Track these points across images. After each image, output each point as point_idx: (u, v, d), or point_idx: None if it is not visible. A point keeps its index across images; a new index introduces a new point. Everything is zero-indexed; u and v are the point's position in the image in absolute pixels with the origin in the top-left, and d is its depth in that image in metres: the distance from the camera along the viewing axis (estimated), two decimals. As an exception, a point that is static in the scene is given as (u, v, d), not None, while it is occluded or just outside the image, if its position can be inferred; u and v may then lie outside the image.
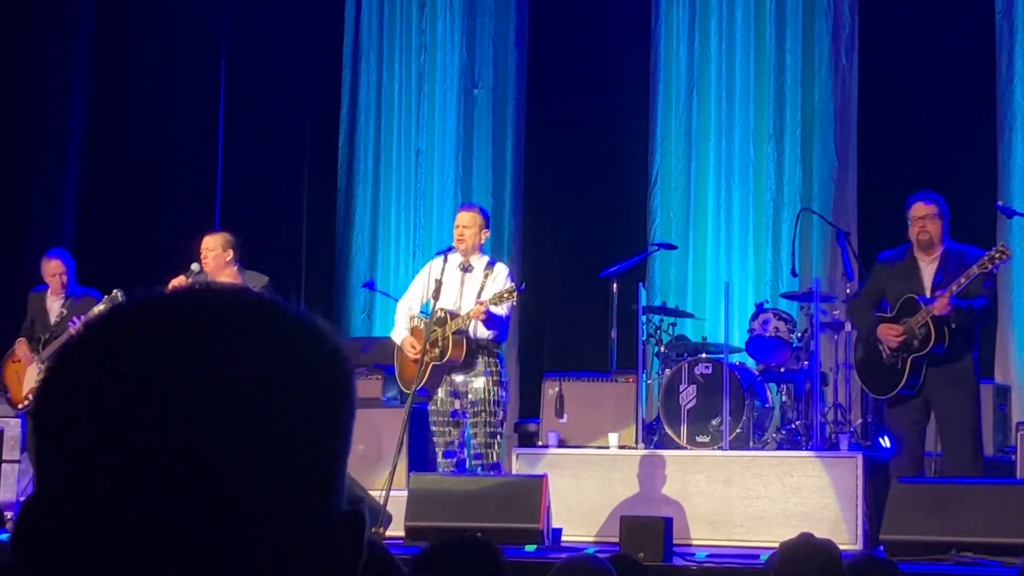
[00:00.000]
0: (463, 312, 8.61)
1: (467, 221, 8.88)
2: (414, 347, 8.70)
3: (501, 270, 8.81)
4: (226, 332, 1.12)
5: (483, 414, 8.64)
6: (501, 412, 8.72)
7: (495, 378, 8.65)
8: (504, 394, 8.74)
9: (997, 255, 8.30)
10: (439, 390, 8.69)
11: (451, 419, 8.71)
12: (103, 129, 13.39)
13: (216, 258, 9.48)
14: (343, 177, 13.27)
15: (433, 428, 8.81)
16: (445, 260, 8.97)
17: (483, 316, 8.49)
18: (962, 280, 8.21)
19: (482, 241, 8.88)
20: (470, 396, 8.65)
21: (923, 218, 8.50)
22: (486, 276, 8.74)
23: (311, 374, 1.14)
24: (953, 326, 8.27)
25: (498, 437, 8.79)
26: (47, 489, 1.11)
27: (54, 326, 10.03)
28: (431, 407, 8.79)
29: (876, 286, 8.71)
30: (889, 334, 8.41)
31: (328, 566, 1.13)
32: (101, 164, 13.33)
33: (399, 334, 8.94)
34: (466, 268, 8.79)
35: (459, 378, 8.66)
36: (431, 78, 13.07)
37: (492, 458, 8.71)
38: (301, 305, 1.20)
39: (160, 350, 1.10)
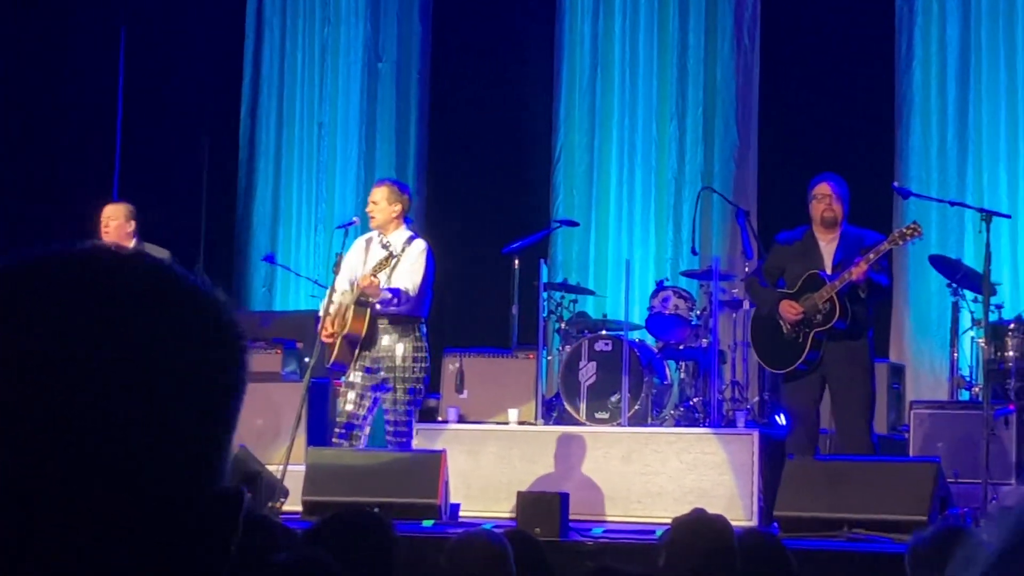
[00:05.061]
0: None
1: (375, 196, 8.87)
2: (326, 328, 8.63)
3: (416, 246, 8.74)
4: (116, 293, 1.09)
5: (396, 389, 8.58)
6: (417, 384, 8.65)
7: (407, 352, 8.58)
8: (418, 368, 8.64)
9: (909, 232, 8.43)
10: (351, 366, 8.63)
11: (364, 393, 8.63)
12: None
13: (118, 228, 9.40)
14: (244, 149, 13.17)
15: (341, 400, 8.74)
16: (346, 234, 8.98)
17: (367, 284, 8.41)
18: (871, 256, 8.30)
19: (395, 215, 8.79)
20: (383, 372, 8.60)
21: (828, 196, 8.59)
22: (403, 251, 8.68)
23: (202, 345, 1.11)
24: (862, 295, 8.36)
25: (416, 412, 8.77)
26: None
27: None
28: (344, 380, 8.73)
29: (774, 264, 8.79)
30: (789, 310, 8.49)
31: (200, 542, 1.11)
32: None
33: (323, 308, 8.88)
34: (385, 244, 8.75)
35: (371, 352, 8.61)
36: (335, 51, 12.99)
37: (403, 427, 8.65)
38: (201, 276, 1.18)
39: (44, 306, 1.07)
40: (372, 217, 8.81)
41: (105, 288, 1.10)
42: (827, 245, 8.63)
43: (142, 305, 1.10)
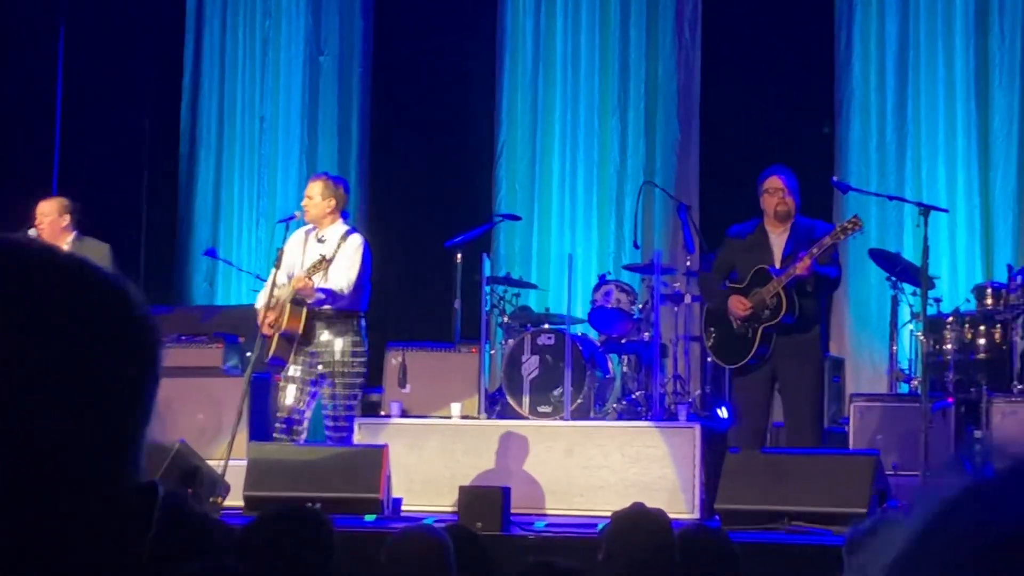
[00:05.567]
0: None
1: (310, 191, 8.86)
2: (267, 318, 8.61)
3: (352, 241, 8.73)
4: (22, 285, 1.08)
5: (335, 384, 8.58)
6: (357, 378, 8.67)
7: (346, 346, 8.59)
8: (357, 362, 8.65)
9: (850, 226, 8.46)
10: (289, 361, 8.61)
11: (303, 388, 8.63)
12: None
13: (52, 224, 9.31)
14: (185, 143, 13.09)
15: (281, 395, 8.72)
16: (287, 228, 8.96)
17: (301, 286, 8.41)
18: (814, 251, 8.33)
19: (329, 210, 8.78)
20: (321, 367, 8.59)
21: (781, 190, 8.61)
22: (339, 247, 8.67)
23: (112, 337, 1.11)
24: (809, 288, 8.40)
25: (356, 406, 8.79)
26: None
27: None
28: (283, 375, 8.71)
29: (726, 259, 8.80)
30: (738, 306, 8.51)
31: (113, 539, 1.10)
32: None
33: (259, 301, 8.85)
34: (321, 239, 8.74)
35: (309, 347, 8.60)
36: (276, 44, 12.94)
37: (343, 421, 8.67)
38: (115, 271, 1.18)
39: None
40: (306, 211, 8.81)
41: (10, 280, 1.09)
42: (777, 238, 8.64)
43: (49, 297, 1.09)
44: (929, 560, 0.81)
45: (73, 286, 1.11)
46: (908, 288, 9.89)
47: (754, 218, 8.80)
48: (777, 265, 8.53)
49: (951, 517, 0.82)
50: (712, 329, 8.81)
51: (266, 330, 8.59)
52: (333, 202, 8.78)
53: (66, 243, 9.17)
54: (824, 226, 8.69)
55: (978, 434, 9.11)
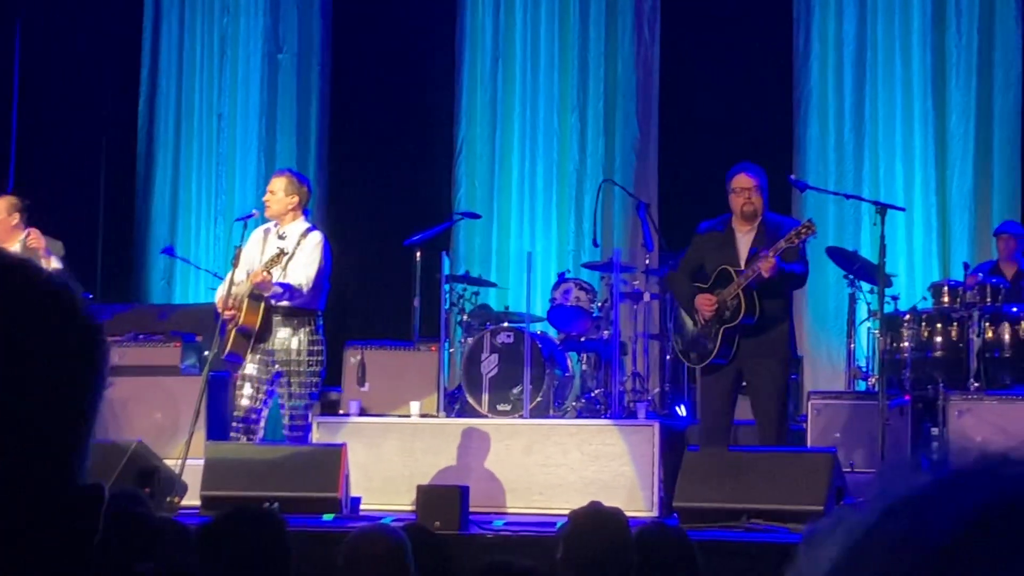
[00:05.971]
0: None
1: (273, 186, 8.82)
2: (228, 309, 8.57)
3: (312, 238, 8.69)
4: None
5: (291, 382, 8.55)
6: (313, 377, 8.64)
7: (303, 344, 8.56)
8: (314, 361, 8.62)
9: (804, 230, 8.41)
10: (247, 358, 8.58)
11: (259, 387, 8.60)
12: None
13: (2, 223, 9.24)
14: (143, 141, 13.03)
15: (238, 393, 8.69)
16: (245, 226, 8.91)
17: (259, 280, 8.38)
18: (770, 255, 8.30)
19: (291, 206, 8.73)
20: (277, 366, 8.56)
21: (748, 189, 8.52)
22: (299, 243, 8.64)
23: (55, 340, 1.09)
24: (776, 289, 8.37)
25: (313, 405, 8.77)
26: None
27: None
28: (240, 373, 8.67)
29: (694, 256, 8.72)
30: (704, 304, 8.48)
31: (57, 543, 1.09)
32: None
33: (218, 294, 8.82)
34: (281, 235, 8.71)
35: (265, 345, 8.57)
36: (234, 42, 12.89)
37: (300, 420, 8.65)
38: (62, 272, 1.16)
39: None
40: (268, 206, 8.77)
41: None
42: (743, 237, 8.55)
43: None
44: (861, 572, 0.81)
45: (15, 288, 1.10)
46: (865, 286, 9.93)
47: (725, 213, 8.71)
48: (742, 264, 8.48)
49: (884, 527, 0.81)
50: (681, 328, 8.77)
51: (226, 316, 8.53)
52: (296, 199, 8.74)
53: (18, 241, 9.11)
54: (791, 223, 8.65)
55: (935, 431, 9.15)
